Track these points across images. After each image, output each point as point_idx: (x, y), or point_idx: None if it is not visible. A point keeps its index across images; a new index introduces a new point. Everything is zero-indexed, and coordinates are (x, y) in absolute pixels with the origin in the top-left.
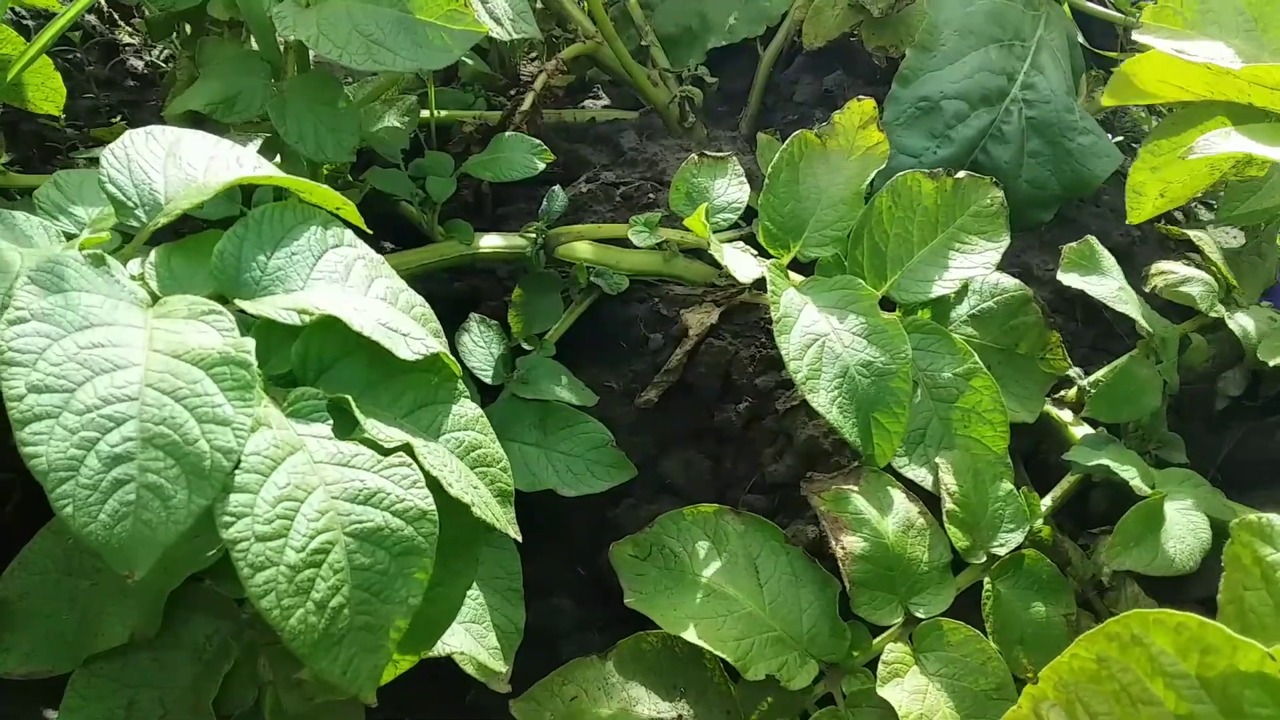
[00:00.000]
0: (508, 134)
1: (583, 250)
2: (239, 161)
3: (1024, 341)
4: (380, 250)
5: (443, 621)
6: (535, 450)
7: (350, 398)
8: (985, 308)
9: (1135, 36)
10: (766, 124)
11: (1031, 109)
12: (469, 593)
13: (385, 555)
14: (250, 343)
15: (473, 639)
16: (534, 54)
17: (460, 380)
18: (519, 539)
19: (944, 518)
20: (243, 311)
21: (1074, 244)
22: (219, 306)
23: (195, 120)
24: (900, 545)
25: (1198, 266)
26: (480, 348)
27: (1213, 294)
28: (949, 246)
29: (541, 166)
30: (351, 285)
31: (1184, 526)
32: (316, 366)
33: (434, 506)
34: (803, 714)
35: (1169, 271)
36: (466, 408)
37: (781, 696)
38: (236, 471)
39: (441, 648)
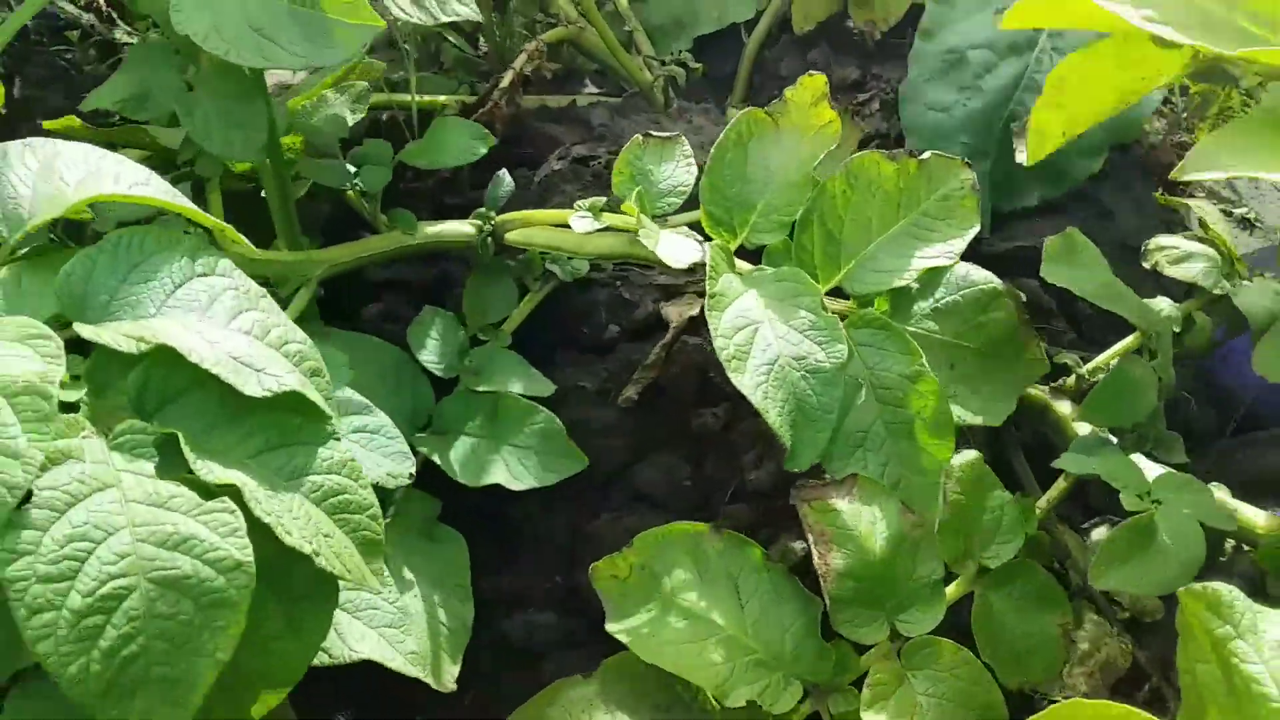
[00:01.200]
0: (447, 118)
1: (536, 236)
2: (116, 178)
3: (994, 339)
4: (300, 248)
5: (288, 676)
6: (485, 443)
7: (181, 434)
8: (951, 301)
9: None
10: (753, 103)
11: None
12: (386, 596)
13: (190, 605)
14: (59, 371)
15: (386, 644)
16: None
17: (331, 422)
18: (380, 590)
19: (937, 527)
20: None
21: (1054, 236)
22: (48, 331)
23: None
24: (889, 561)
25: (1199, 240)
26: (432, 340)
27: (1216, 269)
28: (911, 234)
29: (483, 151)
30: (211, 316)
31: (1177, 540)
32: (158, 398)
33: (251, 557)
34: None
35: (1170, 247)
36: (334, 450)
37: (768, 718)
38: (28, 506)
39: (349, 654)
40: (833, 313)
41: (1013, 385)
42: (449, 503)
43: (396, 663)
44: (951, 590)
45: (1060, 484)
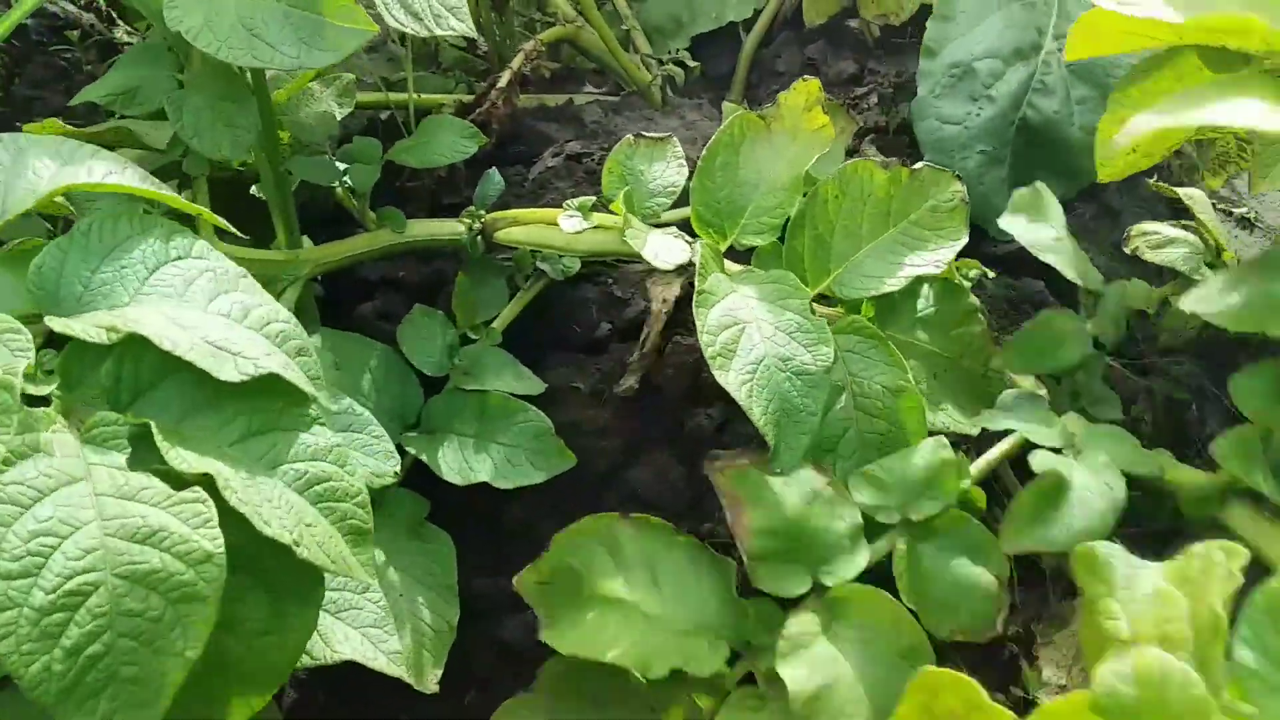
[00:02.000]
0: (437, 117)
1: (526, 234)
2: (90, 169)
3: (967, 353)
4: (299, 245)
5: (273, 674)
6: (472, 441)
7: (154, 424)
8: (931, 312)
9: None
10: (751, 99)
11: None
12: (369, 595)
13: (159, 600)
14: (19, 364)
15: (369, 644)
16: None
17: (312, 406)
18: (370, 581)
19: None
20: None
21: (1024, 189)
22: (18, 325)
23: None
24: (805, 516)
25: (1183, 227)
26: (422, 339)
27: (1198, 256)
28: (900, 242)
29: (473, 149)
30: (188, 300)
31: (1093, 489)
32: (132, 389)
33: (222, 549)
34: (724, 696)
35: (1151, 232)
36: (318, 436)
37: (700, 685)
38: None
39: (330, 656)
40: (820, 317)
41: (986, 398)
42: (445, 504)
43: (379, 662)
44: (880, 543)
45: (1002, 447)
